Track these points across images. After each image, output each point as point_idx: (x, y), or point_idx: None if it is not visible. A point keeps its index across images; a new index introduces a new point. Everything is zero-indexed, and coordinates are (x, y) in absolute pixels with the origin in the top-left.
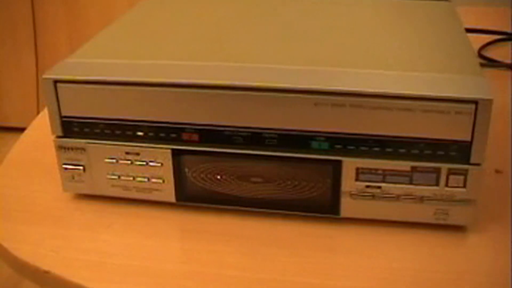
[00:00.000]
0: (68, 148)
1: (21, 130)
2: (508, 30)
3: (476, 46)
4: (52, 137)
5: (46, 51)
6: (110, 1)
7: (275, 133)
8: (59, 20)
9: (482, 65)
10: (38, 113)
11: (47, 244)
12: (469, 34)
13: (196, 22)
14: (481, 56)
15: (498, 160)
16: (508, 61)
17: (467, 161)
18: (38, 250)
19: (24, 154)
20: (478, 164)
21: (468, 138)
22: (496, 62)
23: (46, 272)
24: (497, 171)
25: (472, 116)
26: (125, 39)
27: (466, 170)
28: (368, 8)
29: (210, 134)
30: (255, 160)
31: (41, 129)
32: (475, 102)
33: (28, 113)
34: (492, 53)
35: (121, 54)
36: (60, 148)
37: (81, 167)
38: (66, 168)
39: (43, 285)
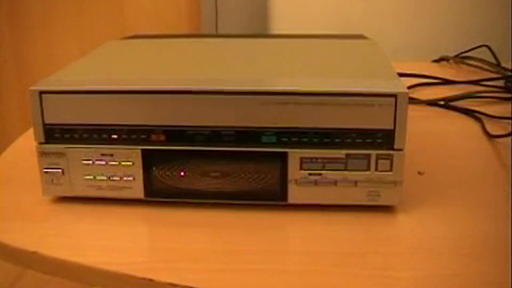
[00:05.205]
0: (49, 154)
1: None
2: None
3: None
4: (35, 143)
5: None
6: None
7: (231, 131)
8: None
9: None
10: None
11: (33, 234)
12: None
13: (158, 52)
14: None
15: (420, 165)
16: (423, 98)
17: (391, 147)
18: (26, 238)
19: (4, 172)
20: (401, 150)
21: (391, 127)
22: (415, 99)
23: (33, 252)
24: (419, 173)
25: (393, 108)
26: (95, 64)
27: (392, 155)
28: (310, 44)
29: (175, 134)
30: (214, 156)
31: (14, 153)
32: (395, 95)
33: None
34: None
35: (93, 73)
36: (41, 153)
37: (59, 170)
38: (46, 172)
39: (30, 264)
